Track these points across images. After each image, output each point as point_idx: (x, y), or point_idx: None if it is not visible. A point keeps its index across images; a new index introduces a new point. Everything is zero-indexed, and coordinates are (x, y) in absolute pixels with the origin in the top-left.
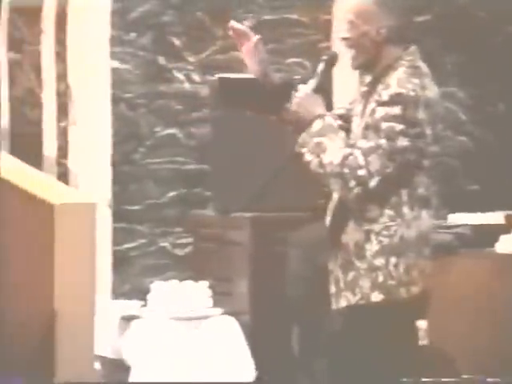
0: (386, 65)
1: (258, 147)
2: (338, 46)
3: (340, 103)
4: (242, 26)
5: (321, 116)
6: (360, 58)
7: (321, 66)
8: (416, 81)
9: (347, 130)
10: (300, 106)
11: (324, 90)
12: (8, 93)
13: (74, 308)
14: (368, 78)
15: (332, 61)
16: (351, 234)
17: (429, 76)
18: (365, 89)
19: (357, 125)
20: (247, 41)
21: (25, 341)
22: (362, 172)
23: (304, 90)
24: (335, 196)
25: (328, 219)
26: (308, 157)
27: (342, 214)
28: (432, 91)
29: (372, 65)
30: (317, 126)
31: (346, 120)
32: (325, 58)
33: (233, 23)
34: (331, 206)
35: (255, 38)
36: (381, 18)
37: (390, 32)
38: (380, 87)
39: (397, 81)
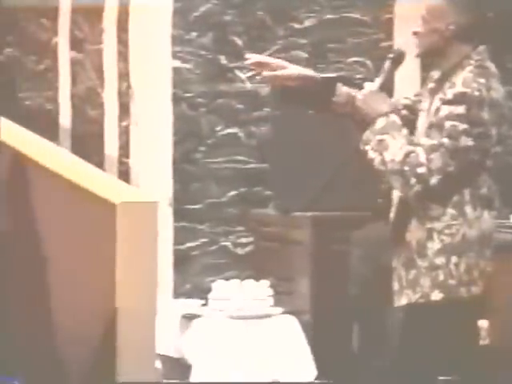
0: (455, 63)
1: (318, 146)
2: (399, 44)
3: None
4: (261, 57)
5: (385, 114)
6: (427, 52)
7: (387, 64)
8: (482, 81)
9: (412, 122)
10: (365, 103)
11: (389, 88)
12: (70, 92)
13: (136, 307)
14: (436, 75)
15: (398, 59)
16: (414, 232)
17: (496, 77)
18: (432, 85)
19: (422, 122)
20: (269, 67)
21: (86, 340)
22: (422, 170)
23: (369, 88)
24: (397, 194)
25: (391, 217)
26: (371, 154)
27: (405, 212)
28: (498, 92)
29: (440, 60)
30: (380, 123)
31: (411, 112)
32: (391, 56)
33: (250, 56)
34: (394, 204)
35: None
36: (451, 14)
37: (458, 29)
38: (446, 85)
39: (462, 80)
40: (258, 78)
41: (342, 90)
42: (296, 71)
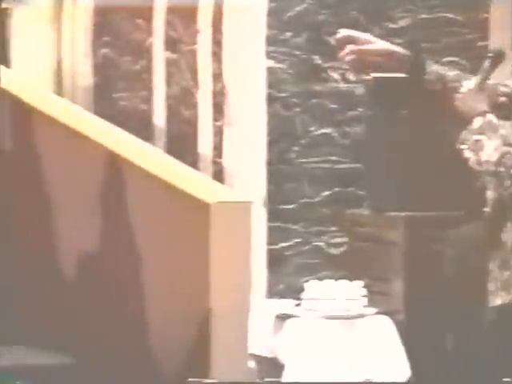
0: None
1: (412, 145)
2: (495, 44)
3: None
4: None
5: (482, 113)
6: None
7: (486, 63)
8: None
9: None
10: (463, 102)
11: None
12: (164, 92)
13: (229, 307)
14: None
15: (498, 58)
16: (510, 233)
17: None
18: None
19: None
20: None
21: (181, 339)
22: None
23: (468, 86)
24: (492, 195)
25: (486, 217)
26: (467, 154)
27: (500, 212)
28: None
29: None
30: (477, 123)
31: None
32: (491, 55)
33: (340, 30)
34: (489, 203)
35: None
36: None
37: None
38: None
39: None
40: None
41: (433, 67)
42: (384, 46)
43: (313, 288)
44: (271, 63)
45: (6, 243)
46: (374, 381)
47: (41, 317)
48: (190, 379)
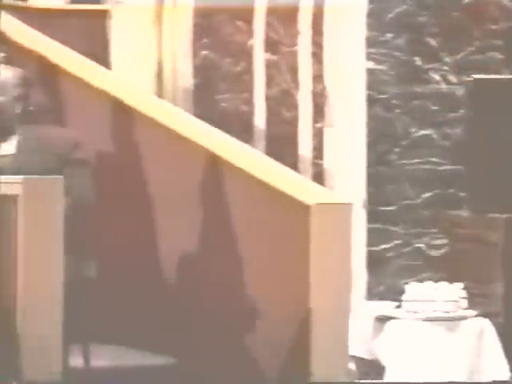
0: None
1: None
2: None
3: None
4: None
5: None
6: None
7: None
8: None
9: None
10: None
11: None
12: (264, 94)
13: (330, 308)
14: None
15: None
16: None
17: None
18: None
19: None
20: None
21: (281, 340)
22: None
23: None
24: None
25: None
26: None
27: None
28: None
29: None
30: None
31: None
32: None
33: None
34: None
35: None
36: None
37: None
38: None
39: None
40: (452, 79)
41: None
42: None
43: (413, 290)
44: (371, 65)
45: (107, 244)
46: (474, 382)
47: (140, 317)
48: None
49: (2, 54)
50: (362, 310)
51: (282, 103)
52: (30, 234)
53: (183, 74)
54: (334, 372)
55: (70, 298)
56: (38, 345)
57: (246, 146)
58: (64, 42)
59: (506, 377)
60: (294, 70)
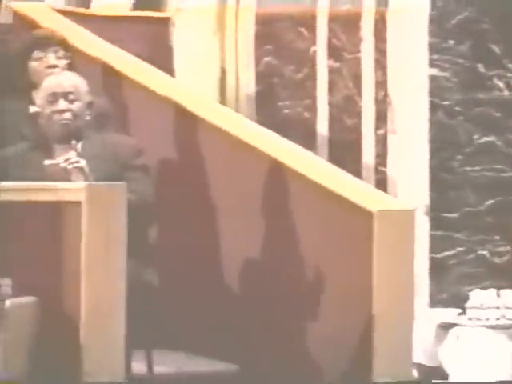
0: None
1: None
2: None
3: None
4: None
5: None
6: None
7: None
8: None
9: None
10: None
11: None
12: (327, 100)
13: (393, 314)
14: None
15: None
16: None
17: None
18: None
19: None
20: None
21: (343, 346)
22: None
23: None
24: None
25: None
26: None
27: None
28: None
29: None
30: None
31: None
32: None
33: None
34: None
35: None
36: None
37: None
38: None
39: None
40: None
41: None
42: None
43: (476, 297)
44: (434, 71)
45: (169, 250)
46: None
47: (203, 323)
48: None
49: (66, 61)
50: (425, 316)
51: (344, 110)
52: (93, 241)
53: (246, 80)
54: (397, 377)
55: (133, 304)
56: (101, 351)
57: (308, 153)
58: (127, 48)
59: None
60: (356, 77)
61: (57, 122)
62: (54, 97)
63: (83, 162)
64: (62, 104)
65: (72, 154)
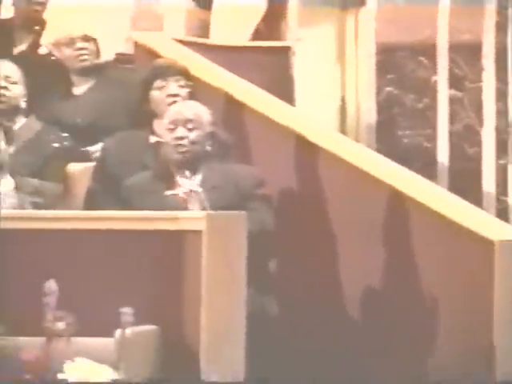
0: None
1: None
2: None
3: None
4: None
5: None
6: None
7: None
8: None
9: None
10: None
11: None
12: (448, 130)
13: None
14: None
15: None
16: None
17: None
18: None
19: None
20: None
21: (464, 376)
22: None
23: None
24: None
25: None
26: None
27: None
28: None
29: None
30: None
31: None
32: None
33: None
34: None
35: None
36: None
37: None
38: None
39: None
40: None
41: None
42: None
43: None
44: None
45: (289, 280)
46: None
47: (323, 352)
48: None
49: (188, 90)
50: None
51: (465, 139)
52: (213, 269)
53: (367, 110)
54: None
55: (253, 334)
56: (220, 380)
57: (429, 183)
58: (247, 78)
59: None
60: (477, 106)
61: (175, 150)
62: (174, 124)
63: (200, 191)
64: (180, 131)
65: (191, 184)
